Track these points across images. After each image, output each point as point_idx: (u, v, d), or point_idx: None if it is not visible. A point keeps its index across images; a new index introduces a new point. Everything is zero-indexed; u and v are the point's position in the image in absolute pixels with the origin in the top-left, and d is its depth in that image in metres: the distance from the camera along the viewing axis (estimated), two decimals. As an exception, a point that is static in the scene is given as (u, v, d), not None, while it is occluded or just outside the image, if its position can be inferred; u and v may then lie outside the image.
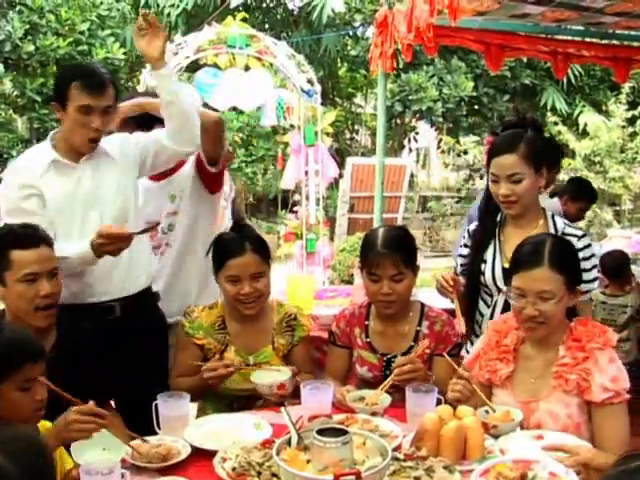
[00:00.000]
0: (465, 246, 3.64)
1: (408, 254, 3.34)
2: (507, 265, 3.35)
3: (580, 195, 6.12)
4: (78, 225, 3.43)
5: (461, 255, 3.66)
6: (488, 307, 3.49)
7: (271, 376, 3.18)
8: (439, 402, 2.93)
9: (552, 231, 3.36)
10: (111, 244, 3.21)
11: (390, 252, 3.27)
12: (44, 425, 2.59)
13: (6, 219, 3.38)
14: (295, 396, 3.14)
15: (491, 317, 3.45)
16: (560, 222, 3.42)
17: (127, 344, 3.45)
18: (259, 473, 2.43)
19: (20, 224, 3.12)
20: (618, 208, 17.49)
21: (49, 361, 2.95)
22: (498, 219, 3.50)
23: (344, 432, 2.20)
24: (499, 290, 3.41)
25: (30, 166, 3.45)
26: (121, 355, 3.42)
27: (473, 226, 3.64)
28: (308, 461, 2.19)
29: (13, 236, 3.00)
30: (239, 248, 3.30)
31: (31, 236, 2.99)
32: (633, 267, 6.68)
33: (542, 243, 2.89)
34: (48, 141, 3.53)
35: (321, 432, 2.19)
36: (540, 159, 3.34)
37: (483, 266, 3.46)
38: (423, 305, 3.48)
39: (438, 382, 3.19)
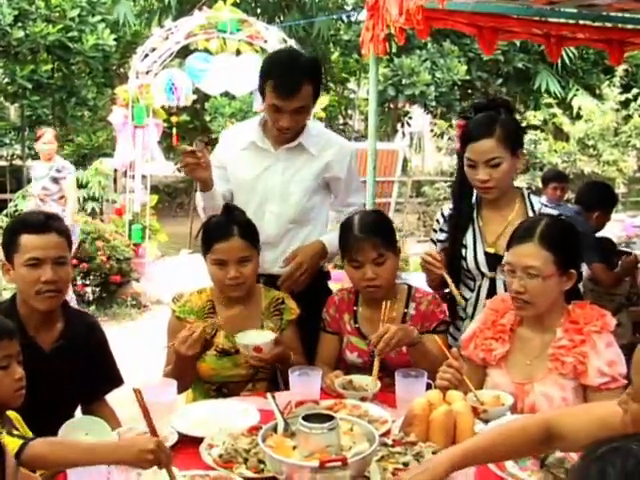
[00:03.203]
0: (441, 230, 3.60)
1: (387, 236, 3.33)
2: (489, 249, 3.35)
3: (592, 203, 5.75)
4: (251, 214, 3.55)
5: (439, 240, 3.62)
6: (472, 291, 3.47)
7: (252, 337, 3.20)
8: (429, 387, 2.91)
9: (529, 212, 3.36)
10: (184, 160, 3.41)
11: (368, 235, 3.26)
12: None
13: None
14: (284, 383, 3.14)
15: (476, 301, 3.44)
16: (537, 203, 3.41)
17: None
18: (246, 460, 2.41)
19: (38, 211, 3.18)
20: (614, 191, 17.47)
21: (55, 350, 2.97)
22: (473, 201, 3.48)
23: (330, 418, 2.18)
24: (483, 275, 3.39)
25: (231, 140, 3.76)
26: None
27: (447, 210, 3.61)
28: (294, 447, 2.17)
29: (24, 221, 3.04)
30: (226, 232, 3.27)
31: (42, 222, 2.99)
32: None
33: (538, 221, 2.91)
34: (260, 117, 3.74)
35: (307, 418, 2.17)
36: (516, 141, 3.32)
37: (464, 251, 3.44)
38: (410, 287, 3.45)
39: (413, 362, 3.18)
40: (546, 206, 3.42)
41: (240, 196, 3.66)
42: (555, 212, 3.30)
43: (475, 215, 3.46)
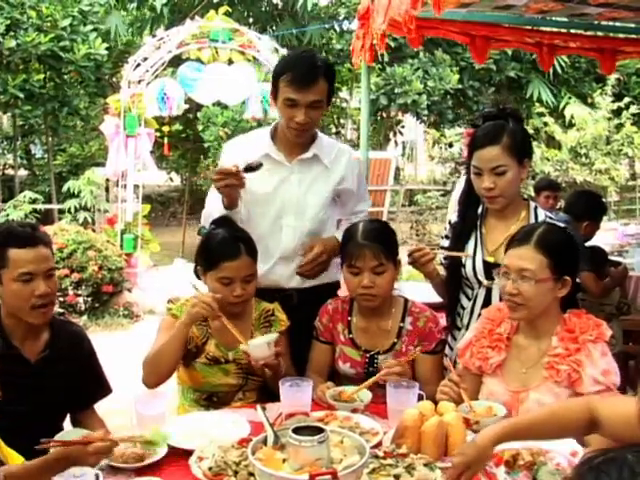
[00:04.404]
0: (446, 237, 3.59)
1: (388, 246, 3.30)
2: (488, 258, 3.33)
3: (582, 213, 5.73)
4: (267, 227, 3.60)
5: (443, 247, 3.61)
6: (469, 300, 3.45)
7: (262, 338, 3.18)
8: (420, 398, 2.89)
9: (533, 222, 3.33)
10: (222, 179, 3.32)
11: (370, 243, 3.24)
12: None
13: (210, 194, 3.67)
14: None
15: (472, 310, 3.42)
16: (542, 214, 3.39)
17: (301, 331, 3.51)
18: (236, 473, 2.39)
19: (20, 222, 3.12)
20: (604, 200, 17.53)
21: (41, 360, 2.95)
22: (479, 211, 3.46)
23: (321, 430, 2.16)
24: (480, 283, 3.38)
25: (241, 153, 3.58)
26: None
27: (454, 218, 3.59)
28: (284, 460, 2.14)
29: (11, 234, 2.95)
30: (235, 251, 3.25)
31: (29, 235, 2.94)
32: (619, 259, 6.64)
33: (537, 226, 2.93)
34: (270, 128, 3.69)
35: (297, 431, 2.14)
36: (522, 150, 3.30)
37: (464, 259, 3.42)
38: (406, 301, 3.43)
39: (421, 379, 3.16)
40: (552, 218, 3.38)
41: (255, 210, 3.61)
42: (561, 225, 3.27)
43: (479, 223, 3.44)
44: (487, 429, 2.26)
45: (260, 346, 3.11)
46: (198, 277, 3.39)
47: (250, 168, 3.38)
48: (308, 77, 3.38)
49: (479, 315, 3.24)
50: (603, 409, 2.15)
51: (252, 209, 3.60)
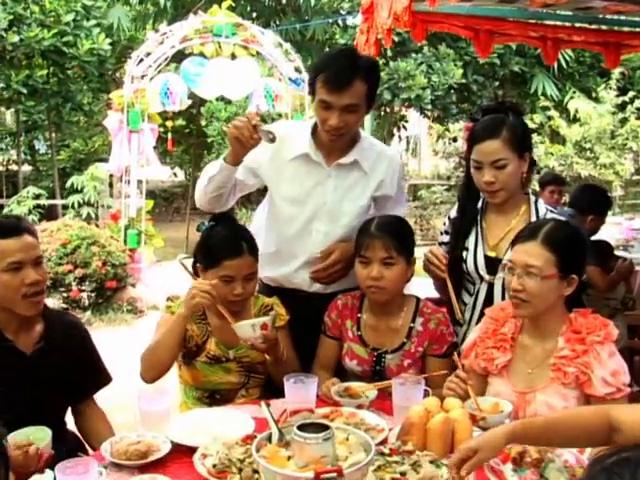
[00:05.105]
0: (446, 233, 3.57)
1: (401, 240, 3.25)
2: (489, 253, 3.31)
3: (587, 207, 5.69)
4: (296, 229, 3.51)
5: (443, 242, 3.58)
6: (471, 296, 3.43)
7: (249, 320, 3.14)
8: (426, 394, 2.87)
9: (534, 218, 3.31)
10: (236, 128, 3.15)
11: (381, 234, 3.21)
12: None
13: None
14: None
15: (474, 306, 3.40)
16: (543, 208, 3.37)
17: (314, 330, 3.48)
18: (240, 470, 2.36)
19: (3, 214, 3.10)
20: (609, 194, 17.51)
21: (37, 352, 2.93)
22: (479, 205, 3.44)
23: (326, 427, 2.14)
24: (481, 278, 3.36)
25: (278, 145, 3.37)
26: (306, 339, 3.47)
27: (454, 212, 3.57)
28: (289, 458, 2.12)
29: None
30: (237, 249, 3.22)
31: (14, 225, 2.92)
32: (624, 253, 6.62)
33: (545, 223, 2.91)
34: (310, 125, 3.52)
35: (302, 428, 2.12)
36: (523, 144, 3.28)
37: (465, 254, 3.40)
38: (419, 300, 3.40)
39: (430, 382, 3.12)
40: (552, 212, 3.37)
41: (285, 211, 3.52)
42: (562, 219, 3.25)
43: (479, 218, 3.42)
44: (502, 425, 2.24)
45: (244, 326, 3.09)
46: (197, 274, 3.35)
47: (269, 136, 3.20)
48: (343, 79, 3.21)
49: (481, 311, 3.22)
50: (620, 415, 2.10)
51: (283, 209, 3.52)
